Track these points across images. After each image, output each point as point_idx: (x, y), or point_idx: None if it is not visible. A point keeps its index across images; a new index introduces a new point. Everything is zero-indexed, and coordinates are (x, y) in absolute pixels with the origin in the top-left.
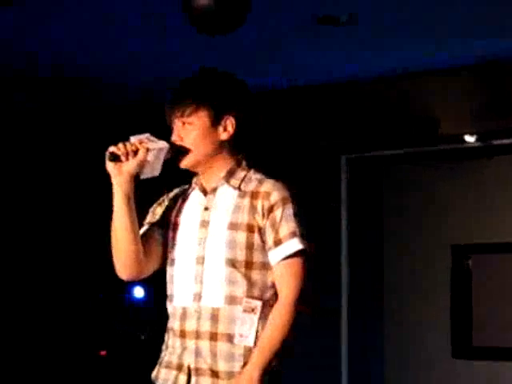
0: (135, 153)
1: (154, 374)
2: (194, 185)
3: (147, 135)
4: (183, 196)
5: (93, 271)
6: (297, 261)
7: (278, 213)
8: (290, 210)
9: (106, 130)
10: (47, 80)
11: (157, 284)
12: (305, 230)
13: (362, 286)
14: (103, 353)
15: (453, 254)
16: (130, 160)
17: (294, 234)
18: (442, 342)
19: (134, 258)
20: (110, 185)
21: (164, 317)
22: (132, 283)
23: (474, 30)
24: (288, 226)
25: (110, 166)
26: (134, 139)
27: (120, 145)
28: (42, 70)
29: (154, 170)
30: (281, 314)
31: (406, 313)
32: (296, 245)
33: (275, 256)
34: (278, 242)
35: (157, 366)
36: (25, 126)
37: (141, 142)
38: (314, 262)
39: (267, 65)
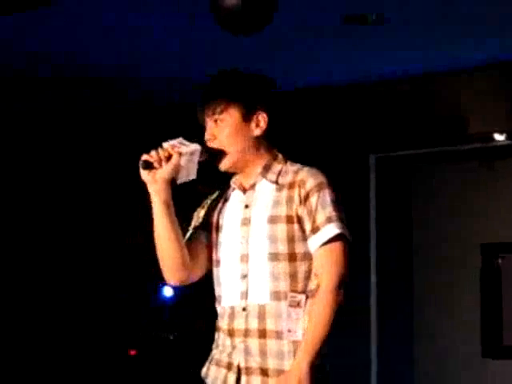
0: (168, 158)
1: (203, 371)
2: (232, 184)
3: (180, 139)
4: (224, 197)
5: (123, 271)
6: (335, 246)
7: (313, 199)
8: (325, 195)
9: (108, 131)
10: (50, 80)
11: (187, 284)
12: (343, 214)
13: (392, 286)
14: (133, 352)
15: (482, 253)
16: (164, 166)
17: (330, 219)
18: (472, 342)
19: (180, 263)
20: (123, 183)
21: (192, 317)
22: (161, 283)
23: (502, 28)
24: (324, 211)
25: (144, 175)
26: (166, 145)
27: (152, 152)
28: (42, 70)
29: (189, 174)
30: (323, 304)
31: (436, 313)
32: (333, 229)
33: (314, 243)
34: (315, 229)
35: (207, 364)
36: (30, 126)
37: (173, 147)
38: None
39: (295, 64)
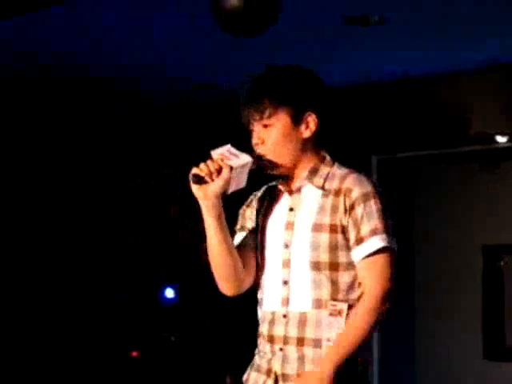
0: (219, 171)
1: (244, 376)
2: (279, 185)
3: (228, 147)
4: (270, 196)
5: (125, 272)
6: (380, 258)
7: (359, 210)
8: (371, 205)
9: (108, 132)
10: (51, 80)
11: (188, 285)
12: (391, 225)
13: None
14: (135, 354)
15: (484, 254)
16: (215, 180)
17: (375, 232)
18: (473, 344)
19: (234, 274)
20: (126, 184)
21: (194, 318)
22: (163, 284)
23: (505, 29)
24: (369, 223)
25: (194, 189)
26: (215, 155)
27: (202, 165)
28: (42, 70)
29: (239, 184)
30: (361, 313)
31: (438, 314)
32: (377, 242)
33: (357, 254)
34: (359, 241)
35: (248, 369)
36: (30, 126)
37: (223, 159)
38: None
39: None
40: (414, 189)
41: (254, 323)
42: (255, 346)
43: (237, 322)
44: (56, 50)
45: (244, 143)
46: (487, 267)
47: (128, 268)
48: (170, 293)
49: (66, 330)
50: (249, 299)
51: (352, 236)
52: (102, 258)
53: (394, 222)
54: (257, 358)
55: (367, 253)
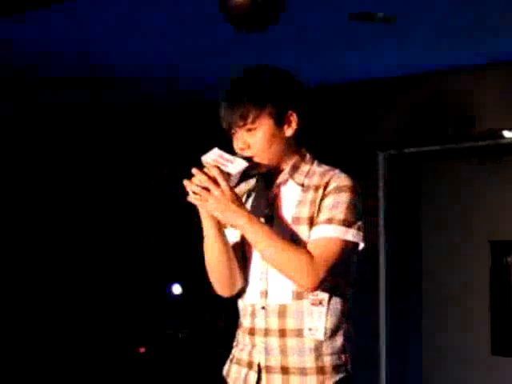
0: (215, 180)
1: (225, 370)
2: (257, 180)
3: (218, 152)
4: (248, 192)
5: (132, 269)
6: (328, 244)
7: (328, 200)
8: (341, 197)
9: (115, 131)
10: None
11: (195, 281)
12: (361, 222)
13: (400, 284)
14: (142, 350)
15: (492, 250)
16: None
17: (331, 221)
18: (481, 339)
19: (230, 275)
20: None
21: (201, 314)
22: (170, 281)
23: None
24: (331, 211)
25: (195, 202)
26: (207, 162)
27: (199, 177)
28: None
29: (232, 184)
30: (299, 252)
31: (445, 310)
32: (330, 231)
33: (316, 232)
34: (316, 224)
35: (228, 362)
36: (35, 126)
37: (218, 166)
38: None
39: (303, 62)
40: (421, 185)
41: None
42: None
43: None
44: (56, 49)
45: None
46: (495, 263)
47: (135, 265)
48: (176, 289)
49: (74, 327)
50: None
51: (316, 218)
52: (109, 256)
53: (401, 216)
54: (236, 351)
55: (317, 236)
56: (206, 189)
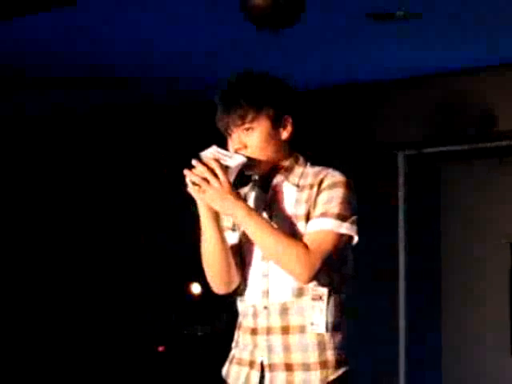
0: (214, 173)
1: (224, 370)
2: (253, 183)
3: (216, 148)
4: (244, 196)
5: (151, 268)
6: (323, 236)
7: (323, 195)
8: (336, 192)
9: (121, 131)
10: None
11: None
12: (355, 216)
13: (420, 284)
14: (161, 348)
15: (511, 250)
16: (212, 184)
17: (326, 214)
18: (500, 341)
19: (228, 273)
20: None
21: (220, 313)
22: (189, 279)
23: None
24: (325, 206)
25: (194, 193)
26: (206, 157)
27: (199, 168)
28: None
29: (231, 179)
30: (293, 244)
31: (464, 312)
32: (325, 224)
33: (311, 225)
34: (311, 218)
35: (227, 363)
36: (40, 126)
37: (218, 159)
38: (372, 266)
39: (321, 62)
40: (440, 185)
41: None
42: None
43: None
44: (55, 50)
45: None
46: None
47: (155, 263)
48: (196, 288)
49: (94, 326)
50: None
51: (312, 212)
52: (130, 253)
53: (421, 217)
54: (236, 352)
55: (312, 229)
56: (205, 180)
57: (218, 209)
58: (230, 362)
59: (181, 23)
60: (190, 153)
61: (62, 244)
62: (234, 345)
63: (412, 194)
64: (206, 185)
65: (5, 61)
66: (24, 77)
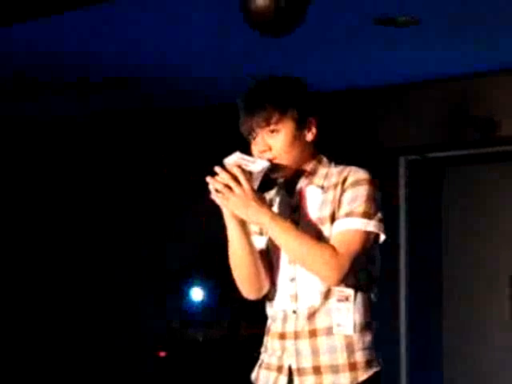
0: (236, 179)
1: (253, 375)
2: (278, 188)
3: (239, 155)
4: (270, 201)
5: (152, 272)
6: (349, 235)
7: (347, 194)
8: (359, 190)
9: (125, 135)
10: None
11: (215, 285)
12: (381, 213)
13: (421, 288)
14: (162, 354)
15: None
16: (236, 191)
17: (352, 214)
18: (504, 343)
19: (256, 278)
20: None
21: (221, 319)
22: (190, 284)
23: None
24: (350, 205)
25: (218, 200)
26: (229, 162)
27: (221, 175)
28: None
29: (254, 185)
30: (321, 247)
31: (466, 312)
32: (351, 223)
33: (338, 226)
34: (337, 219)
35: (256, 368)
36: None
37: (240, 165)
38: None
39: (325, 66)
40: (442, 190)
41: None
42: None
43: (263, 323)
44: (55, 50)
45: (246, 147)
46: None
47: (156, 268)
48: (197, 293)
49: (94, 331)
50: None
51: (337, 212)
52: (129, 259)
53: (422, 221)
54: (265, 356)
55: (338, 230)
56: (228, 187)
57: (242, 216)
58: (259, 367)
59: (181, 24)
60: (192, 156)
61: (62, 249)
62: (263, 349)
63: (413, 198)
64: (229, 192)
65: (5, 62)
66: (24, 78)
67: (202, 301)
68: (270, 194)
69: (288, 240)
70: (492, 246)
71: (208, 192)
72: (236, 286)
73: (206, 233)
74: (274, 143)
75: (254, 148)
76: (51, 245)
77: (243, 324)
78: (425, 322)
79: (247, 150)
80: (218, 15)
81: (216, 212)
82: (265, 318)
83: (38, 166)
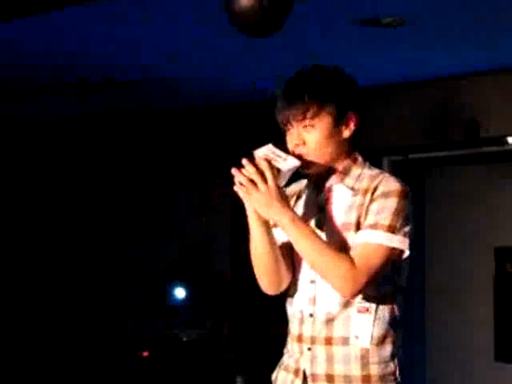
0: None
1: (273, 375)
2: (308, 182)
3: (271, 148)
4: (299, 193)
5: (137, 273)
6: (371, 250)
7: (375, 204)
8: (388, 202)
9: (130, 135)
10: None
11: (198, 285)
12: (408, 227)
13: (404, 287)
14: (145, 354)
15: (496, 256)
16: (260, 189)
17: (376, 226)
18: (485, 345)
19: (276, 273)
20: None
21: (205, 318)
22: (174, 285)
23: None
24: (376, 217)
25: (241, 193)
26: (259, 156)
27: (248, 169)
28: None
29: (281, 183)
30: (340, 258)
31: (449, 315)
32: (374, 237)
33: (360, 237)
34: (369, 227)
35: (277, 368)
36: (50, 129)
37: (270, 160)
38: None
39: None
40: (425, 191)
41: (265, 324)
42: (267, 346)
43: (248, 322)
44: (55, 50)
45: (253, 148)
46: (499, 269)
47: (138, 268)
48: (180, 292)
49: (77, 331)
50: (260, 300)
51: (364, 221)
52: (112, 259)
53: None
54: (285, 357)
55: (360, 242)
56: (253, 182)
57: (263, 214)
58: (279, 367)
59: (180, 24)
60: (189, 155)
61: (47, 251)
62: (285, 350)
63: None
64: (253, 187)
65: (5, 62)
66: (23, 79)
67: (186, 301)
68: (300, 186)
69: (306, 246)
70: (475, 245)
71: (232, 183)
72: (220, 288)
73: (191, 233)
74: (308, 138)
75: (289, 139)
76: (42, 245)
77: (226, 324)
78: (407, 324)
79: (251, 149)
80: (218, 15)
81: (201, 212)
82: (246, 319)
83: (37, 165)
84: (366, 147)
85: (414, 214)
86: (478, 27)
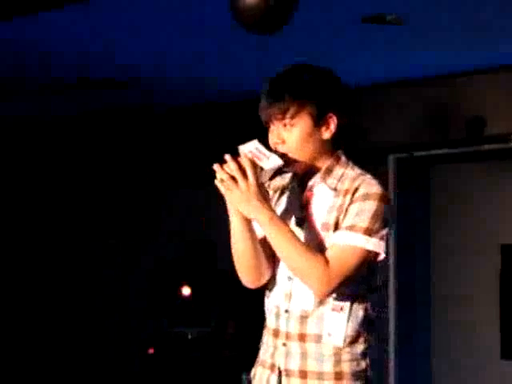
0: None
1: (252, 371)
2: (292, 178)
3: (256, 144)
4: (283, 188)
5: (142, 270)
6: (347, 252)
7: (354, 206)
8: (367, 204)
9: (126, 133)
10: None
11: (203, 283)
12: (385, 231)
13: (410, 287)
14: (151, 351)
15: (502, 253)
16: (241, 185)
17: (353, 228)
18: (491, 343)
19: (256, 267)
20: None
21: (210, 315)
22: (179, 282)
23: None
24: (354, 219)
25: (221, 189)
26: (243, 151)
27: (230, 165)
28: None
29: (263, 179)
30: (315, 258)
31: (455, 313)
32: (351, 239)
33: (337, 238)
34: (346, 228)
35: (255, 364)
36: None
37: (252, 157)
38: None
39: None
40: (430, 188)
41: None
42: None
43: (252, 320)
44: (55, 50)
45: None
46: (505, 266)
47: (144, 266)
48: (186, 290)
49: (81, 329)
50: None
51: (341, 222)
52: (117, 257)
53: (410, 219)
54: (261, 353)
55: (336, 242)
56: (234, 179)
57: (242, 211)
58: (257, 363)
59: (180, 24)
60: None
61: (50, 250)
62: (260, 344)
63: (402, 196)
64: (233, 184)
65: (5, 62)
66: (23, 78)
67: (191, 299)
68: (284, 181)
69: (282, 245)
70: (480, 243)
71: (214, 177)
72: (224, 286)
73: (195, 230)
74: (288, 137)
75: (270, 137)
76: (45, 244)
77: (230, 322)
78: (413, 322)
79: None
80: (218, 15)
81: (205, 210)
82: (251, 316)
83: (37, 165)
84: (371, 144)
85: (414, 214)
86: (484, 25)
